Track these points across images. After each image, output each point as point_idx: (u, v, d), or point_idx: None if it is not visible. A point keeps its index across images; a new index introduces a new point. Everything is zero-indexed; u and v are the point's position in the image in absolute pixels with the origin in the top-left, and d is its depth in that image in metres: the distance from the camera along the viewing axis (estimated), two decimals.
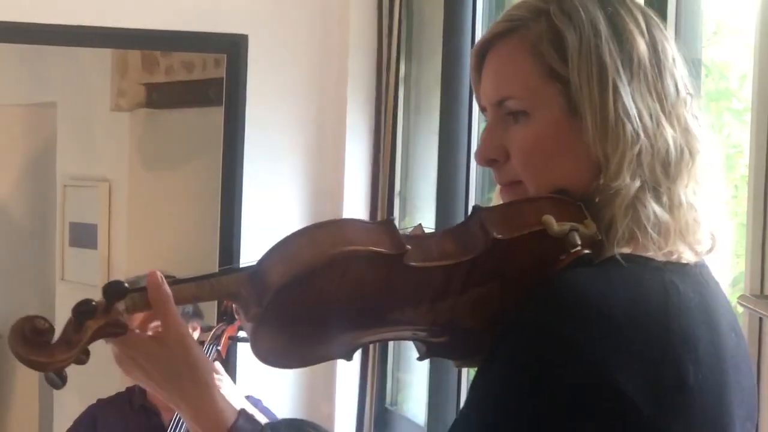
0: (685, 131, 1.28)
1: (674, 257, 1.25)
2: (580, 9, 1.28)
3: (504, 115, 1.31)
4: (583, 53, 1.26)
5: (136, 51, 4.66)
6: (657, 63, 1.28)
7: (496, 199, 1.36)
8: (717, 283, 1.30)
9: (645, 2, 2.23)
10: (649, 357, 1.17)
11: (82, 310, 1.28)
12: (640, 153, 1.25)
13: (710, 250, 1.28)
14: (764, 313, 1.80)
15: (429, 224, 3.40)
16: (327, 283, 1.25)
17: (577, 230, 1.23)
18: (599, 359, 1.14)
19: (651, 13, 1.32)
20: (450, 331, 1.31)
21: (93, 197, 5.19)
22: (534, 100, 1.29)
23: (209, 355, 3.29)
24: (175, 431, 3.22)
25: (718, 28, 2.33)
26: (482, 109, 1.36)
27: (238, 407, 1.37)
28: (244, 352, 3.63)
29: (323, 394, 3.88)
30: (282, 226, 3.80)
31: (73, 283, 5.22)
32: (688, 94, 1.30)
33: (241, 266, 1.31)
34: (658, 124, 1.26)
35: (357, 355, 1.39)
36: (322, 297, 1.26)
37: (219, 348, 3.37)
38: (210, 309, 3.65)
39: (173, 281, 1.33)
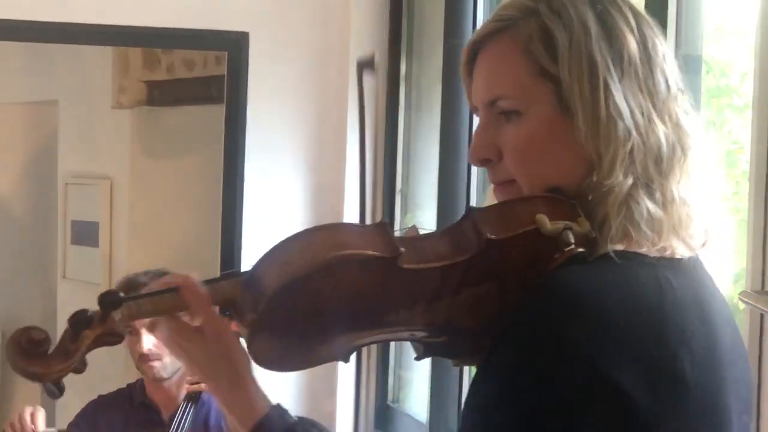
0: (677, 127, 1.28)
1: (668, 252, 1.25)
2: (570, 7, 1.28)
3: (496, 115, 1.31)
4: (574, 52, 1.26)
5: (137, 49, 4.65)
6: (647, 60, 1.28)
7: (489, 198, 1.36)
8: (711, 278, 1.31)
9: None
10: (645, 352, 1.17)
11: (79, 320, 1.29)
12: (632, 150, 1.25)
13: (704, 245, 1.29)
14: (765, 309, 1.80)
15: (430, 221, 3.41)
16: (322, 287, 1.25)
17: (570, 229, 1.23)
18: (596, 356, 1.15)
19: (640, 10, 1.32)
20: (447, 332, 1.31)
21: (94, 195, 5.18)
22: (526, 99, 1.29)
23: None
24: (176, 428, 3.22)
25: (719, 26, 2.32)
26: (473, 109, 1.35)
27: (274, 402, 1.39)
28: None
29: (325, 391, 3.87)
30: (283, 223, 3.82)
31: (75, 281, 5.22)
32: (679, 90, 1.30)
33: (239, 272, 1.32)
34: (650, 120, 1.26)
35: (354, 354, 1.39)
36: (318, 301, 1.26)
37: None
38: None
39: (168, 290, 1.33)
